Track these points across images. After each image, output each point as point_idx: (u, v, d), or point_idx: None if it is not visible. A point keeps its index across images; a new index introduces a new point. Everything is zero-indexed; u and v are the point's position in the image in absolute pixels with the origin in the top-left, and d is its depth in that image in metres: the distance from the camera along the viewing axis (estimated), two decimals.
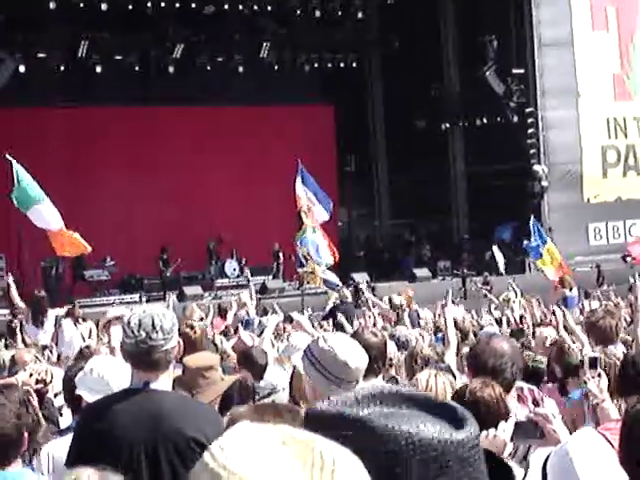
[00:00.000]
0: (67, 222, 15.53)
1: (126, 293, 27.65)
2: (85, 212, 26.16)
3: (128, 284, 28.70)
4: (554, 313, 8.86)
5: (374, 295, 19.86)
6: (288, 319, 12.12)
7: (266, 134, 31.10)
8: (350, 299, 18.39)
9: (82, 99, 29.52)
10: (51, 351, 11.16)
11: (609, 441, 3.28)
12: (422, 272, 29.66)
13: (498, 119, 32.39)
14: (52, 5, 27.85)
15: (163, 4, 29.78)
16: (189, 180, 30.24)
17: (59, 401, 5.81)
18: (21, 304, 14.73)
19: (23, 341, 11.67)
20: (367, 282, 25.79)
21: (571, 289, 18.30)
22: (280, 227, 27.19)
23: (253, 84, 31.13)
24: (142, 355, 3.90)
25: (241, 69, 31.67)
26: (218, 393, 6.26)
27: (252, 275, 28.97)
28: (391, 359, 7.02)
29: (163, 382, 3.99)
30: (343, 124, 33.76)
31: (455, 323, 10.35)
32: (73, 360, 8.55)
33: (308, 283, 23.04)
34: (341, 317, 13.69)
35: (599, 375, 4.65)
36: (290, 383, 5.40)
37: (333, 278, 20.57)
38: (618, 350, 6.30)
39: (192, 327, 7.74)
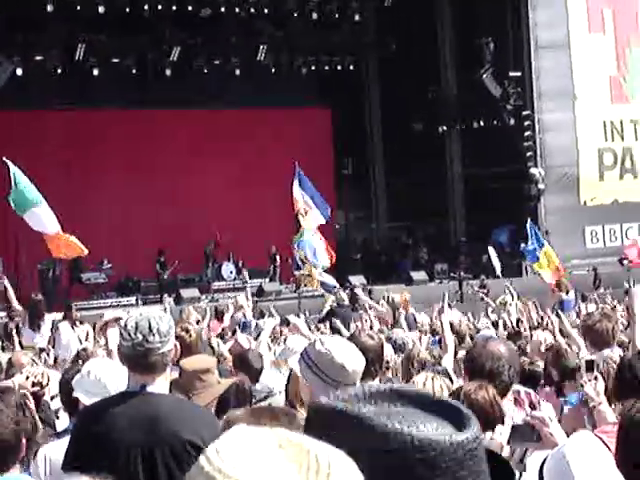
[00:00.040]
0: (64, 225, 15.53)
1: (123, 296, 27.64)
2: (82, 215, 26.16)
3: (125, 287, 28.68)
4: (550, 317, 8.87)
5: (371, 298, 19.86)
6: (285, 322, 12.13)
7: (263, 137, 31.10)
8: (347, 302, 18.38)
9: (79, 102, 29.52)
10: (48, 354, 11.15)
11: (606, 444, 3.28)
12: (419, 275, 29.66)
13: (495, 122, 32.41)
14: (49, 8, 27.84)
15: (160, 7, 29.77)
16: (186, 183, 30.23)
17: (55, 404, 5.81)
18: (18, 307, 14.73)
19: (20, 344, 11.67)
20: (363, 285, 25.82)
21: (567, 292, 18.31)
22: (277, 230, 27.20)
23: (250, 87, 31.13)
24: (139, 358, 3.90)
25: (238, 72, 31.67)
26: (215, 396, 6.26)
27: (249, 278, 29.08)
28: (388, 362, 7.02)
29: (160, 385, 3.99)
30: (340, 127, 33.76)
31: (451, 326, 10.37)
32: (70, 363, 8.55)
33: (305, 286, 23.07)
34: (337, 322, 13.68)
35: (595, 378, 4.65)
36: (287, 386, 5.40)
37: (330, 280, 20.60)
38: (615, 353, 6.30)
39: (187, 330, 7.73)
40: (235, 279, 29.78)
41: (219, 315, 16.88)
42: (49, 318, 13.95)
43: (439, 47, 33.79)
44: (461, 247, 32.48)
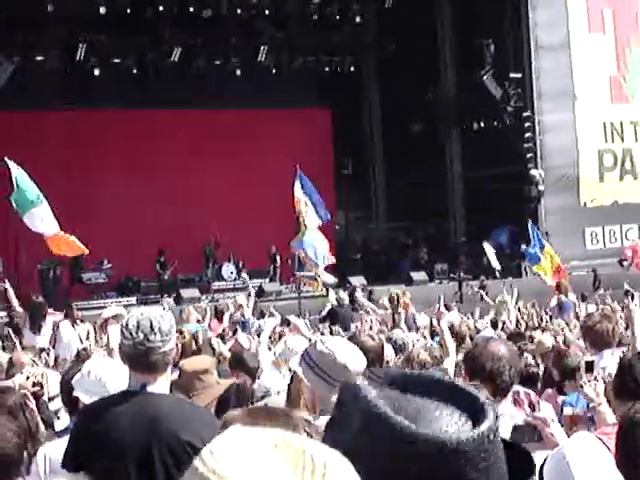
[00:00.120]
0: (65, 224, 15.55)
1: (123, 296, 27.63)
2: (82, 215, 26.16)
3: (125, 287, 28.69)
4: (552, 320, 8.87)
5: (371, 299, 19.88)
6: (285, 322, 12.13)
7: (263, 137, 31.11)
8: (347, 302, 18.39)
9: (80, 102, 29.50)
10: (48, 354, 11.15)
11: (606, 445, 3.29)
12: (419, 275, 29.66)
13: (495, 123, 32.42)
14: (50, 8, 27.86)
15: (161, 7, 29.80)
16: (186, 183, 30.24)
17: (55, 404, 5.81)
18: (19, 308, 14.75)
19: (20, 344, 11.67)
20: (363, 286, 25.82)
21: (567, 294, 18.30)
22: (277, 230, 27.20)
23: (250, 87, 31.13)
24: (140, 357, 3.90)
25: (238, 72, 31.69)
26: (214, 396, 6.27)
27: (249, 278, 29.10)
28: (388, 362, 7.03)
29: (161, 385, 3.99)
30: (340, 127, 33.77)
31: (452, 328, 10.36)
32: (70, 363, 8.55)
33: (305, 285, 23.10)
34: (337, 327, 13.68)
35: (595, 379, 4.65)
36: (289, 387, 5.39)
37: (329, 279, 20.67)
38: (615, 355, 6.30)
39: (181, 332, 7.75)
40: (235, 279, 29.79)
41: (219, 315, 16.88)
42: (50, 320, 13.95)
43: (439, 48, 33.79)
44: (461, 248, 32.48)
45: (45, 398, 5.74)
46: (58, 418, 5.74)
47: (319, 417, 3.88)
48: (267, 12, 31.36)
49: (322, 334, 12.72)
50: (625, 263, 28.38)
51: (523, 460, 1.60)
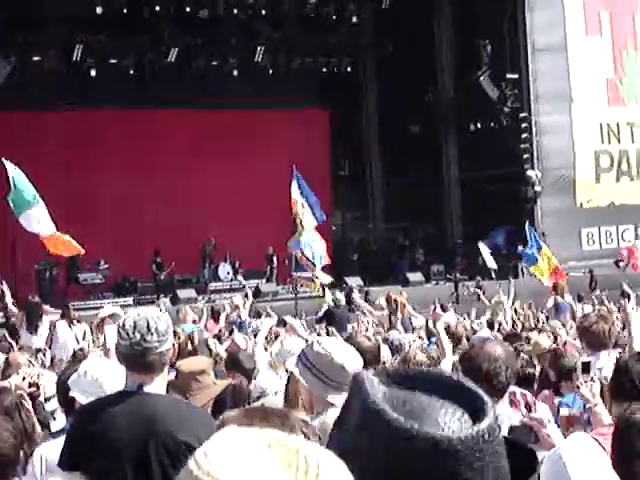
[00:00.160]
0: (62, 224, 15.54)
1: (120, 296, 27.62)
2: (80, 215, 26.17)
3: (122, 287, 28.69)
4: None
5: (367, 300, 19.87)
6: (282, 323, 12.14)
7: (261, 138, 31.10)
8: (344, 303, 18.39)
9: (79, 102, 29.49)
10: (44, 354, 11.15)
11: (602, 446, 3.29)
12: (415, 276, 29.69)
13: (492, 124, 32.44)
14: (47, 8, 27.85)
15: (158, 8, 29.80)
16: (184, 183, 30.24)
17: (51, 405, 5.80)
18: (14, 309, 14.75)
19: (17, 344, 11.67)
20: (360, 287, 25.81)
21: (563, 295, 18.30)
22: (274, 230, 27.19)
23: (249, 88, 31.13)
24: (136, 357, 3.90)
25: (236, 73, 31.69)
26: (211, 397, 6.27)
27: (245, 279, 29.09)
28: (385, 363, 7.02)
29: (157, 385, 3.99)
30: (338, 128, 33.78)
31: (448, 328, 10.35)
32: (67, 363, 8.54)
33: (302, 286, 23.10)
34: (332, 329, 13.67)
35: (592, 380, 4.66)
36: (286, 387, 5.40)
37: (325, 279, 20.70)
38: (612, 356, 6.30)
39: (175, 333, 7.74)
40: (232, 280, 29.79)
41: (215, 315, 16.87)
42: (46, 320, 13.95)
43: (436, 49, 33.81)
44: (457, 249, 32.50)
45: (41, 399, 5.73)
46: (54, 419, 5.73)
47: (316, 417, 3.89)
48: (264, 12, 31.38)
49: (319, 335, 12.71)
50: (621, 264, 28.40)
51: (526, 458, 1.61)
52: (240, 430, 1.33)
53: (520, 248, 24.93)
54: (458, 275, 29.51)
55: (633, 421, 2.93)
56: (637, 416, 2.96)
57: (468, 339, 10.92)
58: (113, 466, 3.87)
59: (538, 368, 7.85)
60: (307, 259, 20.38)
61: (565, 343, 9.32)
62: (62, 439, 4.23)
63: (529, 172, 30.64)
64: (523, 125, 30.87)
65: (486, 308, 18.25)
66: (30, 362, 7.75)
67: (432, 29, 33.59)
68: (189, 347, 9.56)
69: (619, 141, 32.05)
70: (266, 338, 9.50)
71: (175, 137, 30.46)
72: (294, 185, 20.18)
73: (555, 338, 9.95)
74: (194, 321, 15.08)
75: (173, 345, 4.04)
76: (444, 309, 20.06)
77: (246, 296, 17.46)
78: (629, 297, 12.34)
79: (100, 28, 29.19)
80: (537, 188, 30.66)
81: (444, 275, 30.92)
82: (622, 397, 4.05)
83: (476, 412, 1.46)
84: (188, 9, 30.14)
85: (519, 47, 31.01)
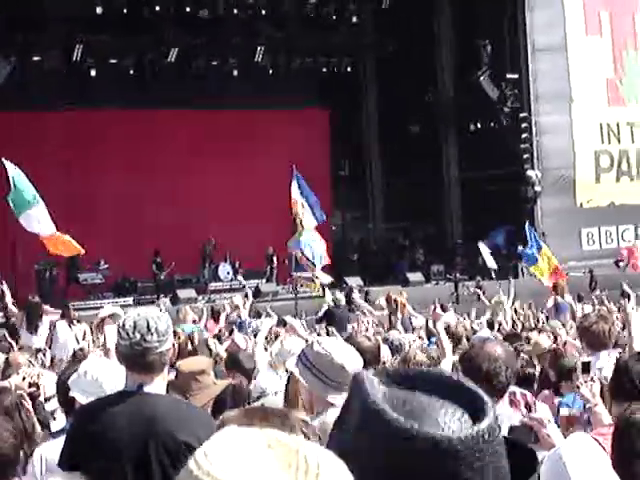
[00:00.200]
0: (63, 224, 15.54)
1: (120, 296, 27.62)
2: (80, 215, 26.17)
3: (122, 287, 28.68)
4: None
5: (367, 300, 19.87)
6: (282, 323, 12.13)
7: (261, 138, 31.10)
8: (343, 303, 18.39)
9: (79, 102, 29.49)
10: (44, 354, 11.15)
11: (602, 446, 3.29)
12: (415, 276, 29.69)
13: (492, 124, 32.44)
14: (47, 8, 27.85)
15: (159, 8, 29.80)
16: (183, 183, 30.23)
17: (51, 405, 5.80)
18: (14, 309, 14.75)
19: (17, 344, 11.67)
20: (360, 287, 25.81)
21: (563, 295, 18.30)
22: (274, 230, 27.19)
23: (249, 88, 31.13)
24: (136, 357, 3.90)
25: (236, 73, 31.69)
26: (211, 397, 6.27)
27: (245, 279, 29.09)
28: (384, 363, 7.02)
29: (157, 385, 3.99)
30: (338, 128, 33.78)
31: (448, 328, 10.34)
32: (67, 363, 8.54)
33: (302, 286, 23.10)
34: (332, 329, 13.67)
35: (592, 380, 4.66)
36: (286, 387, 5.40)
37: (325, 279, 20.70)
38: (612, 356, 6.30)
39: (175, 333, 7.74)
40: (232, 280, 29.79)
41: (215, 315, 16.87)
42: (46, 320, 13.95)
43: (437, 49, 33.81)
44: (457, 249, 32.50)
45: (41, 399, 5.73)
46: (54, 419, 5.73)
47: (316, 417, 3.89)
48: (264, 12, 31.37)
49: (319, 335, 12.71)
50: (621, 264, 28.40)
51: (526, 458, 1.61)
52: (240, 430, 1.33)
53: (520, 248, 24.93)
54: (458, 275, 29.52)
55: (633, 421, 2.93)
56: (637, 416, 2.96)
57: (468, 339, 10.92)
58: (113, 466, 3.87)
59: (538, 368, 7.85)
60: (307, 259, 20.38)
61: (565, 343, 9.32)
62: (62, 439, 4.23)
63: (529, 172, 30.65)
64: (523, 125, 30.87)
65: (486, 308, 18.26)
66: (30, 362, 7.75)
67: (432, 29, 33.59)
68: (189, 347, 9.55)
69: (619, 141, 32.06)
70: (266, 338, 9.50)
71: (175, 137, 30.46)
72: (294, 185, 20.20)
73: (555, 338, 9.95)
74: (194, 321, 15.09)
75: (173, 345, 4.04)
76: (444, 309, 20.07)
77: (246, 296, 17.46)
78: (629, 297, 12.34)
79: (100, 28, 29.18)
80: (537, 188, 30.67)
81: (444, 275, 30.93)
82: (622, 397, 4.05)
83: (476, 412, 1.46)
84: (188, 9, 30.15)
85: (519, 47, 31.01)
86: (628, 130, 32.21)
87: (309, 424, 2.81)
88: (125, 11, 29.28)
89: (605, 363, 6.18)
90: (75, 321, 14.70)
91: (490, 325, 14.69)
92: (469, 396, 1.49)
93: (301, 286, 23.56)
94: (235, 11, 30.94)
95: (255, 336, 9.64)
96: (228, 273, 30.06)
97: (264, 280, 29.35)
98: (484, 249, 27.24)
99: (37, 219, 14.77)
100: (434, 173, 33.69)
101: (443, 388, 1.49)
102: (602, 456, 3.23)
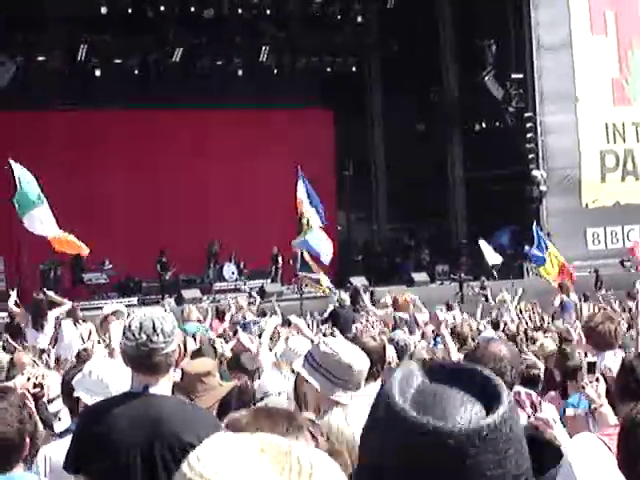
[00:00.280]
0: (66, 224, 15.55)
1: (124, 296, 27.63)
2: (84, 215, 26.18)
3: (127, 287, 28.70)
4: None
5: (372, 300, 19.86)
6: (286, 322, 12.13)
7: (265, 138, 31.11)
8: (348, 303, 18.38)
9: (82, 102, 29.54)
10: (49, 355, 11.16)
11: (608, 446, 3.28)
12: (420, 276, 29.68)
13: (497, 124, 32.43)
14: (51, 8, 27.88)
15: (163, 8, 29.81)
16: (188, 183, 30.25)
17: (55, 406, 5.80)
18: (16, 309, 14.78)
19: (22, 344, 11.68)
20: (365, 286, 25.80)
21: (569, 294, 18.30)
22: (279, 230, 27.21)
23: (252, 88, 31.16)
24: (142, 358, 3.90)
25: (240, 73, 31.71)
26: (217, 398, 6.26)
27: (250, 279, 29.13)
28: (390, 363, 7.01)
29: (163, 386, 3.98)
30: (342, 128, 33.77)
31: (454, 329, 10.35)
32: (72, 364, 8.54)
33: (307, 286, 23.10)
34: (336, 330, 13.67)
35: (597, 380, 4.64)
36: (295, 388, 5.40)
37: (327, 282, 20.74)
38: (618, 356, 6.28)
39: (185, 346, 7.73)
40: (237, 280, 29.80)
41: (220, 315, 16.89)
42: (52, 316, 13.97)
43: (441, 48, 33.80)
44: (462, 249, 32.49)
45: (45, 399, 5.73)
46: (59, 419, 5.74)
47: (323, 417, 3.88)
48: (268, 12, 31.38)
49: (324, 335, 12.70)
50: (627, 264, 28.36)
51: (550, 452, 1.63)
52: (233, 435, 1.34)
53: (527, 248, 24.90)
54: (463, 275, 29.52)
55: (639, 421, 2.92)
56: None
57: (474, 339, 10.91)
58: (119, 467, 3.87)
59: (542, 367, 7.85)
60: (315, 258, 20.41)
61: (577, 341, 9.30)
62: (67, 439, 4.23)
63: (534, 172, 30.62)
64: (528, 125, 30.85)
65: (491, 308, 18.27)
66: (34, 362, 7.75)
67: (437, 29, 33.57)
68: (193, 347, 9.54)
69: (624, 141, 32.02)
70: (271, 338, 9.48)
71: (180, 137, 30.48)
72: (300, 185, 20.21)
73: (560, 339, 9.93)
74: (199, 320, 15.09)
75: (179, 346, 4.03)
76: (450, 308, 20.10)
77: (250, 296, 17.48)
78: (635, 297, 12.31)
79: (105, 28, 29.22)
80: (542, 188, 30.64)
81: (449, 275, 30.91)
82: (628, 397, 4.04)
83: (490, 403, 1.49)
84: (193, 9, 30.17)
85: (524, 47, 30.99)
86: (633, 130, 32.18)
87: (316, 423, 2.81)
88: (130, 11, 29.30)
89: (611, 363, 6.17)
90: (81, 320, 14.71)
91: (495, 325, 14.69)
92: (491, 389, 1.51)
93: (306, 286, 23.56)
94: (240, 11, 30.96)
95: (260, 336, 9.63)
96: (233, 273, 30.07)
97: (269, 280, 29.35)
98: (485, 246, 27.14)
99: (40, 220, 14.78)
100: (439, 173, 33.68)
101: (471, 382, 1.52)
102: (608, 456, 3.22)
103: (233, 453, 1.29)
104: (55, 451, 4.63)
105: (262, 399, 6.16)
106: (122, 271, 28.61)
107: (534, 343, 10.10)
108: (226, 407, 5.85)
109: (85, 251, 16.04)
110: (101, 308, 10.92)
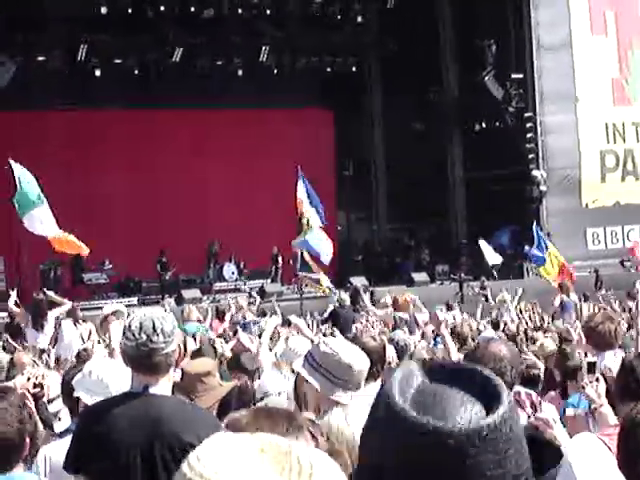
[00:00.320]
0: (66, 225, 15.54)
1: (124, 296, 27.63)
2: (84, 215, 26.16)
3: (127, 287, 28.70)
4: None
5: (372, 300, 19.86)
6: (286, 322, 12.13)
7: (265, 138, 31.11)
8: (348, 303, 18.37)
9: (81, 102, 29.53)
10: (49, 355, 11.15)
11: (608, 446, 3.28)
12: (420, 276, 29.67)
13: (497, 124, 32.42)
14: (51, 7, 27.87)
15: (163, 8, 29.81)
16: (188, 183, 30.24)
17: (55, 406, 5.80)
18: (16, 309, 14.77)
19: (21, 344, 11.68)
20: (365, 286, 25.79)
21: (568, 294, 18.30)
22: (278, 230, 27.21)
23: (252, 88, 31.14)
24: (142, 358, 3.90)
25: (240, 72, 31.71)
26: (217, 399, 6.26)
27: (250, 279, 29.11)
28: (390, 363, 7.01)
29: (163, 386, 3.98)
30: (342, 127, 33.77)
31: (454, 329, 10.34)
32: (72, 364, 8.55)
33: (307, 286, 23.09)
34: (336, 331, 13.68)
35: (597, 380, 4.64)
36: (295, 388, 5.40)
37: (327, 282, 20.74)
38: (618, 356, 6.28)
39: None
40: (237, 280, 29.79)
41: (220, 315, 16.89)
42: (52, 316, 13.97)
43: (441, 48, 33.80)
44: (462, 249, 32.48)
45: (45, 400, 5.73)
46: (59, 420, 5.74)
47: (323, 417, 3.88)
48: (268, 12, 31.39)
49: (324, 335, 12.70)
50: (627, 264, 28.36)
51: (549, 452, 1.63)
52: (233, 435, 1.35)
53: (527, 248, 24.90)
54: (463, 275, 29.52)
55: (639, 421, 2.92)
56: None
57: (474, 339, 10.91)
58: (118, 467, 3.87)
59: (542, 367, 7.85)
60: (312, 258, 20.39)
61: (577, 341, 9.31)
62: (67, 439, 4.23)
63: (534, 172, 30.62)
64: (528, 125, 30.85)
65: (491, 308, 18.27)
66: (34, 362, 7.75)
67: (437, 29, 33.56)
68: (193, 347, 9.54)
69: (624, 140, 32.02)
70: (271, 339, 9.48)
71: (180, 137, 30.47)
72: (300, 185, 20.20)
73: (560, 339, 9.93)
74: (199, 320, 15.09)
75: (179, 346, 4.03)
76: (450, 308, 20.09)
77: (250, 296, 17.48)
78: (635, 297, 12.30)
79: (104, 28, 29.20)
80: (542, 188, 30.64)
81: (449, 275, 30.91)
82: (628, 397, 4.04)
83: (490, 403, 1.49)
84: (192, 9, 30.17)
85: (524, 47, 30.98)
86: (633, 130, 32.18)
87: (316, 423, 2.81)
88: (130, 11, 29.30)
89: (611, 363, 6.17)
90: (81, 320, 14.71)
91: (495, 325, 14.68)
92: (491, 389, 1.51)
93: (306, 286, 23.55)
94: (239, 11, 30.96)
95: (260, 336, 9.63)
96: (233, 273, 30.06)
97: (269, 280, 29.35)
98: (485, 246, 27.13)
99: (40, 220, 14.78)
100: (439, 173, 33.68)
101: (471, 382, 1.52)
102: (608, 457, 3.22)
103: (233, 453, 1.29)
104: (55, 451, 4.63)
105: (262, 399, 6.16)
106: (122, 271, 28.61)
107: (534, 343, 10.10)
108: (226, 407, 5.85)
109: (85, 251, 16.04)
110: (101, 308, 10.92)
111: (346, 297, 18.61)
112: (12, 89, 27.21)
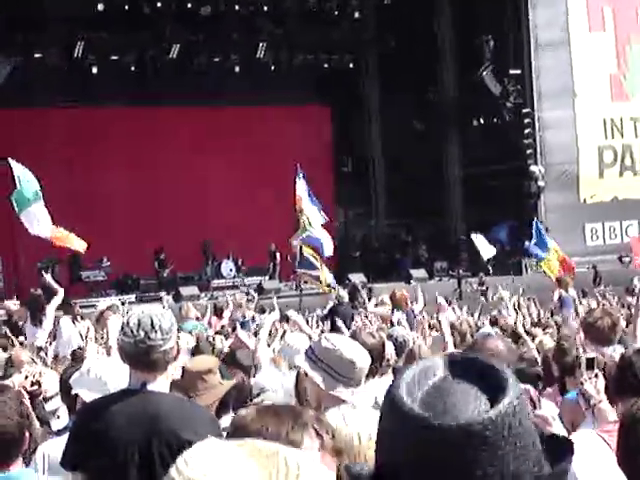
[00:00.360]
0: (64, 222, 15.52)
1: (122, 293, 27.62)
2: (83, 212, 26.15)
3: (124, 284, 28.69)
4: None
5: (370, 297, 19.84)
6: (285, 318, 12.12)
7: (262, 134, 31.09)
8: (347, 300, 18.36)
9: (81, 99, 29.52)
10: (46, 352, 11.14)
11: (607, 442, 3.27)
12: (419, 273, 29.67)
13: (495, 119, 32.41)
14: (50, 6, 27.85)
15: (160, 4, 29.81)
16: (185, 179, 30.23)
17: (53, 404, 5.80)
18: (13, 307, 14.76)
19: (18, 339, 11.66)
20: (363, 283, 25.80)
21: (567, 289, 18.29)
22: (276, 227, 27.18)
23: (250, 84, 31.14)
24: (140, 355, 3.89)
25: (237, 69, 31.69)
26: (217, 397, 6.24)
27: (248, 275, 29.10)
28: (388, 360, 7.00)
29: (160, 383, 3.97)
30: (340, 124, 33.77)
31: (453, 325, 10.32)
32: (70, 362, 8.54)
33: (306, 282, 23.05)
34: (339, 321, 13.67)
35: (596, 376, 4.63)
36: (296, 385, 5.39)
37: (330, 278, 20.68)
38: (617, 352, 6.27)
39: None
40: (235, 277, 29.79)
41: (218, 312, 16.89)
42: (50, 311, 13.95)
43: (439, 45, 33.79)
44: (460, 245, 32.46)
45: (42, 397, 5.73)
46: (58, 417, 5.73)
47: (324, 413, 3.87)
48: (266, 9, 31.37)
49: (322, 332, 12.70)
50: (625, 259, 28.35)
51: (560, 445, 1.63)
52: (221, 442, 1.36)
53: (527, 243, 24.88)
54: (461, 271, 29.50)
55: (639, 417, 2.91)
56: None
57: (472, 335, 10.91)
58: (116, 464, 3.87)
59: (540, 361, 7.84)
60: (314, 249, 20.37)
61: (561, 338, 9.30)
62: (65, 437, 4.22)
63: (532, 167, 30.62)
64: (526, 120, 30.85)
65: (490, 306, 18.26)
66: (32, 360, 7.73)
67: (435, 25, 33.55)
68: (191, 345, 9.53)
69: (622, 136, 32.02)
70: (270, 334, 9.47)
71: (177, 134, 30.45)
72: (299, 182, 20.17)
73: (559, 334, 9.92)
74: (197, 318, 15.08)
75: (177, 343, 4.02)
76: (449, 304, 20.06)
77: (247, 294, 17.47)
78: (634, 292, 12.32)
79: (101, 25, 29.19)
80: (540, 183, 30.64)
81: (447, 271, 30.90)
82: (627, 393, 4.03)
83: (495, 396, 1.50)
84: (189, 5, 30.16)
85: (522, 43, 30.98)
86: (631, 125, 32.19)
87: (322, 420, 2.80)
88: (126, 8, 29.28)
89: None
90: (79, 317, 14.70)
91: (494, 322, 14.67)
92: (497, 383, 1.52)
93: (305, 282, 23.51)
94: (236, 7, 30.95)
95: (256, 334, 9.62)
96: (231, 270, 30.05)
97: (267, 277, 29.34)
98: (478, 240, 27.04)
99: (37, 218, 14.75)
100: (437, 169, 33.67)
101: (478, 375, 1.53)
102: (607, 453, 3.21)
103: (220, 457, 1.29)
104: (53, 448, 4.63)
105: (258, 395, 6.15)
106: (120, 268, 28.59)
107: (532, 339, 10.09)
108: (224, 404, 5.84)
109: (83, 246, 16.02)
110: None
111: (344, 294, 18.60)
112: (11, 87, 27.19)
